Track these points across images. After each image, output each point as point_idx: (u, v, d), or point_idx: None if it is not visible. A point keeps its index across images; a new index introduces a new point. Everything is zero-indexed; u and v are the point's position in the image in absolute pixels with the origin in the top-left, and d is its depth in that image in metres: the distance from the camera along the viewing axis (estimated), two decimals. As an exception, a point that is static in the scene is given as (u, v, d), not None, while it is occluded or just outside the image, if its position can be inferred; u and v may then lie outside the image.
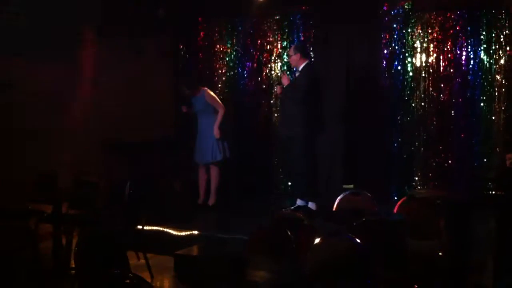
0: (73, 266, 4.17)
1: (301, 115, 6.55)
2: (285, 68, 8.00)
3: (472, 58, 7.15)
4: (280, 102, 7.28)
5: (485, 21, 7.07)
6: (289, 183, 8.01)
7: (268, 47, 8.26)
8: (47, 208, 5.35)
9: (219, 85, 8.55)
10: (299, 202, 6.75)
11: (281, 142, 7.48)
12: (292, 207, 6.58)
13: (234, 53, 8.49)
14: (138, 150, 7.41)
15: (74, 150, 6.81)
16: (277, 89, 7.01)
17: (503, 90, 7.03)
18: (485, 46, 7.07)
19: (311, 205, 6.67)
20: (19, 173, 5.95)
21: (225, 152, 7.15)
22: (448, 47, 7.25)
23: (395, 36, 7.49)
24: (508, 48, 6.98)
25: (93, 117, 7.09)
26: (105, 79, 7.27)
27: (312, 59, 7.49)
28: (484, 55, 7.09)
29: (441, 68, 7.31)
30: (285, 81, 6.76)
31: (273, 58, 8.23)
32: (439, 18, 7.28)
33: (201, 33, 8.66)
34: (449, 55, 7.26)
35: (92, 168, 6.58)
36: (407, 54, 7.44)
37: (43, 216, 5.42)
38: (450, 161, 7.25)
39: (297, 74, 6.79)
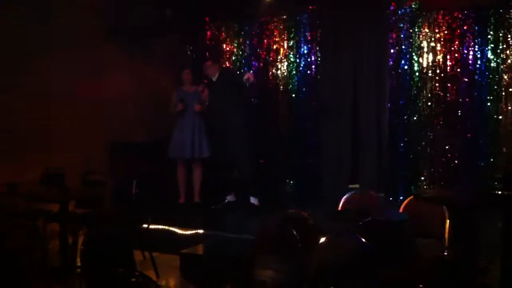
0: (80, 264, 4.19)
1: (231, 115, 7.04)
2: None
3: (479, 57, 7.12)
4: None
5: (492, 21, 7.04)
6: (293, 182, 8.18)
7: (275, 47, 8.26)
8: (54, 207, 5.38)
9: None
10: (229, 197, 7.30)
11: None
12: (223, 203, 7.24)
13: (240, 53, 8.50)
14: (145, 149, 7.43)
15: (81, 150, 6.84)
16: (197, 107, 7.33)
17: (510, 90, 7.00)
18: (492, 45, 7.04)
19: (253, 200, 7.10)
20: (27, 172, 5.98)
21: (209, 149, 7.35)
22: (455, 46, 7.23)
23: (402, 36, 7.46)
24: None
25: (100, 117, 7.12)
26: (112, 79, 7.30)
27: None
28: (491, 55, 7.06)
29: (448, 67, 7.29)
30: (205, 97, 7.33)
31: (279, 58, 8.23)
32: (446, 18, 7.26)
33: (208, 33, 8.68)
34: (456, 55, 7.24)
35: (99, 167, 6.61)
36: (414, 54, 7.42)
37: (50, 215, 5.46)
38: (456, 161, 7.23)
39: (214, 81, 7.25)
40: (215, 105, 7.24)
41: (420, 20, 7.38)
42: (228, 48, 8.56)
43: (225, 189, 7.38)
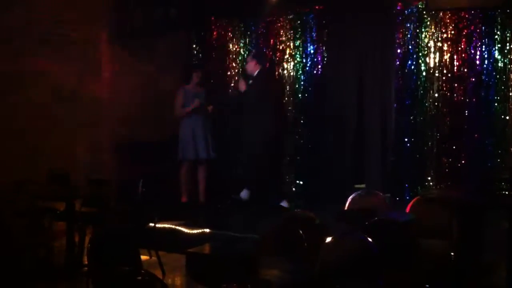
0: (86, 263, 4.20)
1: (256, 122, 6.84)
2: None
3: (486, 57, 7.09)
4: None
5: (499, 21, 7.01)
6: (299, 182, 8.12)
7: (281, 47, 8.25)
8: (61, 206, 5.40)
9: (232, 85, 8.56)
10: (243, 193, 7.15)
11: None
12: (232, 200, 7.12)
13: (247, 52, 8.49)
14: (150, 149, 7.44)
15: (87, 149, 6.86)
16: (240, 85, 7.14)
17: (517, 90, 6.98)
18: (499, 45, 7.02)
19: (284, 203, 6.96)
20: (33, 171, 6.00)
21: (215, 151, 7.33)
22: (462, 46, 7.20)
23: (409, 36, 7.45)
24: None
25: (106, 116, 7.14)
26: (118, 78, 7.32)
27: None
28: (498, 55, 7.03)
29: (455, 67, 7.26)
30: (242, 87, 7.02)
31: (285, 57, 8.22)
32: (453, 18, 7.23)
33: (214, 33, 8.67)
34: (463, 55, 7.21)
35: (105, 166, 6.63)
36: (420, 54, 7.40)
37: (56, 214, 5.48)
38: (463, 161, 7.21)
39: (250, 81, 7.05)
40: (247, 104, 7.05)
41: (426, 20, 7.36)
42: (234, 48, 8.56)
43: (239, 186, 7.22)
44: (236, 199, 7.26)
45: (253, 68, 7.01)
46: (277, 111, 7.08)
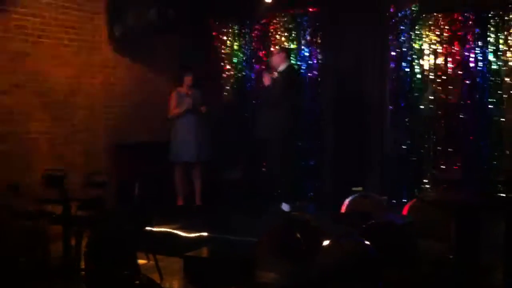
0: (83, 267, 4.19)
1: (276, 118, 6.69)
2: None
3: (481, 60, 7.12)
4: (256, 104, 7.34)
5: (493, 23, 7.04)
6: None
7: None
8: (57, 209, 5.38)
9: (227, 87, 8.57)
10: (284, 206, 6.83)
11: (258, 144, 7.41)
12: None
13: (242, 54, 8.49)
14: (148, 150, 7.43)
15: (84, 151, 6.85)
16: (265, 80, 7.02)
17: (512, 92, 7.00)
18: (493, 48, 7.04)
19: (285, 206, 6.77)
20: (29, 173, 5.98)
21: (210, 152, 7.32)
22: (456, 49, 7.22)
23: (403, 38, 7.46)
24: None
25: (102, 118, 7.13)
26: (115, 79, 7.32)
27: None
28: (492, 57, 7.05)
29: (449, 70, 7.28)
30: (267, 81, 6.89)
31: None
32: (447, 20, 7.25)
33: (210, 35, 8.67)
34: (457, 57, 7.23)
35: (102, 168, 6.61)
36: (414, 56, 7.42)
37: (52, 217, 5.45)
38: (459, 164, 7.23)
39: (276, 75, 6.88)
40: (268, 98, 6.91)
41: (420, 22, 7.37)
42: (229, 49, 8.56)
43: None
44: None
45: (280, 62, 6.88)
46: (297, 108, 6.96)
